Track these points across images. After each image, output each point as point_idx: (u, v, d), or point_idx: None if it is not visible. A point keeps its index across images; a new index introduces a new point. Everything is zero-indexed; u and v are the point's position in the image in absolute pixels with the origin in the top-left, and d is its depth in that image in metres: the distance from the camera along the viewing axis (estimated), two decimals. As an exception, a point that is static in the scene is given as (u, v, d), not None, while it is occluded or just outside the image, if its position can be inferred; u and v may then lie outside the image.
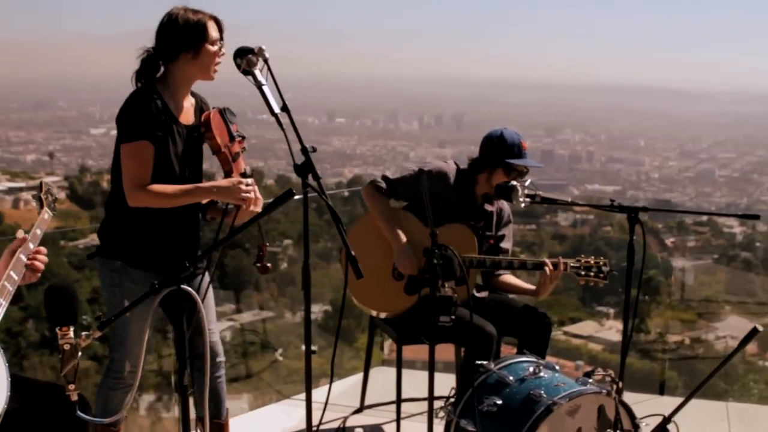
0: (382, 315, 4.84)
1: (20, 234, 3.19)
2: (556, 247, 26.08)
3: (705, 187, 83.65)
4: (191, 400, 4.35)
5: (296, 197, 3.14)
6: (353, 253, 3.36)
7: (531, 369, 4.06)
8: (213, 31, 3.86)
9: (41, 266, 3.18)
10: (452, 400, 4.77)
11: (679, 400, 3.88)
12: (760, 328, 3.50)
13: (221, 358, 4.32)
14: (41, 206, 3.45)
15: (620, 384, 4.11)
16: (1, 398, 2.92)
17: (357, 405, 5.39)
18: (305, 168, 3.46)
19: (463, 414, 4.05)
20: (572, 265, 4.73)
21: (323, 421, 5.09)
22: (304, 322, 3.57)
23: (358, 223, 4.85)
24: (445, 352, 5.03)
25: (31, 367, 10.76)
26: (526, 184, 4.47)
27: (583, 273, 4.73)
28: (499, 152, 4.70)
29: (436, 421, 4.05)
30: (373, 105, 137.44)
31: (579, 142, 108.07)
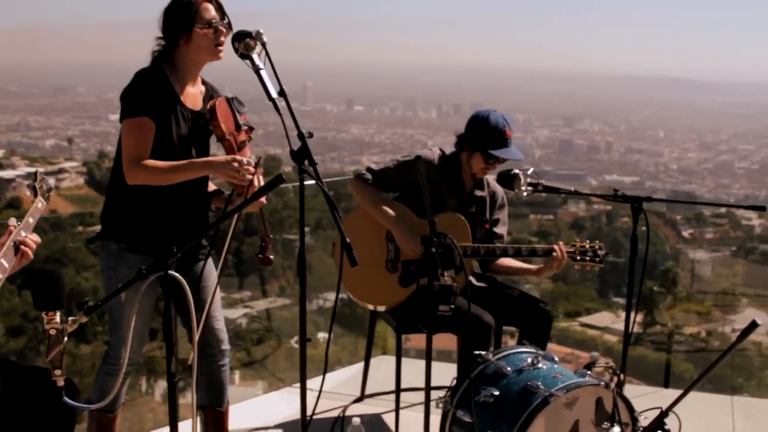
0: (379, 308, 4.82)
1: (12, 222, 3.17)
2: (574, 237, 25.93)
3: (724, 178, 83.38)
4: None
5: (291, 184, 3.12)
6: (348, 240, 3.32)
7: (529, 360, 4.02)
8: (206, 13, 3.80)
9: (32, 245, 3.15)
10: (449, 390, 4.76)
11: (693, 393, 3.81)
12: (760, 322, 3.44)
13: (226, 347, 4.27)
14: (35, 195, 3.43)
15: (622, 376, 4.07)
16: None
17: (357, 394, 5.37)
18: (301, 154, 3.42)
19: (460, 404, 4.01)
20: (567, 250, 4.68)
21: (324, 409, 5.11)
22: (299, 309, 3.52)
23: (348, 218, 4.78)
24: (452, 341, 4.99)
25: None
26: (529, 172, 4.41)
27: (578, 258, 4.68)
28: (481, 137, 4.61)
29: (434, 410, 4.02)
30: (392, 93, 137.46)
31: (598, 132, 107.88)
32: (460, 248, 4.42)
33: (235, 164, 3.74)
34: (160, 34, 3.88)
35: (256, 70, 3.53)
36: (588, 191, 5.21)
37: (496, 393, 3.91)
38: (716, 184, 79.35)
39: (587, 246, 4.67)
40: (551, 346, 4.73)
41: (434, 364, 5.42)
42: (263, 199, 3.87)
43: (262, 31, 3.53)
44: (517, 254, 4.74)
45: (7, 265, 3.06)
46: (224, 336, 4.25)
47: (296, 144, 3.43)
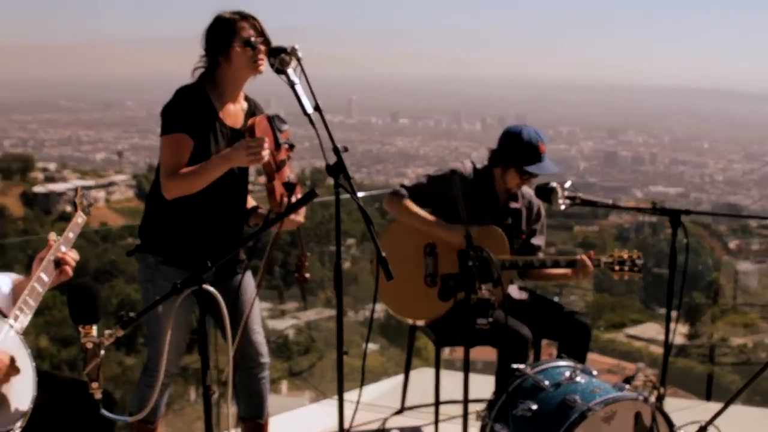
0: (419, 323, 4.82)
1: (52, 236, 3.23)
2: (617, 249, 25.76)
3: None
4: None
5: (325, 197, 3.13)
6: (384, 254, 3.33)
7: (567, 374, 3.99)
8: (244, 31, 3.83)
9: (71, 262, 3.21)
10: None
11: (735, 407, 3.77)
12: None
13: (265, 359, 4.28)
14: (75, 210, 3.48)
15: (662, 390, 4.03)
16: (27, 398, 2.95)
17: (398, 406, 5.37)
18: (337, 168, 3.43)
19: (498, 418, 3.99)
20: (605, 260, 4.68)
21: (363, 421, 5.12)
22: (336, 322, 3.54)
23: (385, 233, 4.75)
24: (493, 353, 4.99)
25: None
26: (567, 185, 4.40)
27: (617, 268, 4.67)
28: (515, 153, 4.61)
29: (473, 424, 4.01)
30: (436, 106, 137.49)
31: (642, 143, 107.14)
32: (498, 261, 4.42)
33: (249, 143, 3.72)
34: (204, 52, 3.93)
35: (291, 85, 3.55)
36: (632, 203, 5.15)
37: (534, 407, 3.89)
38: (761, 195, 78.42)
39: (625, 256, 4.66)
40: (595, 357, 4.70)
41: (478, 377, 5.46)
42: (300, 218, 3.89)
43: (297, 46, 3.56)
44: (555, 266, 4.73)
45: (47, 279, 3.12)
46: (263, 348, 4.26)
47: (332, 159, 3.45)
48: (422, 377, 5.87)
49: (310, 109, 3.51)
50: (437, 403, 4.78)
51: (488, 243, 4.12)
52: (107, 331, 2.77)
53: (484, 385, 4.68)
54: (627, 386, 3.93)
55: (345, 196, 3.47)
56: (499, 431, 3.96)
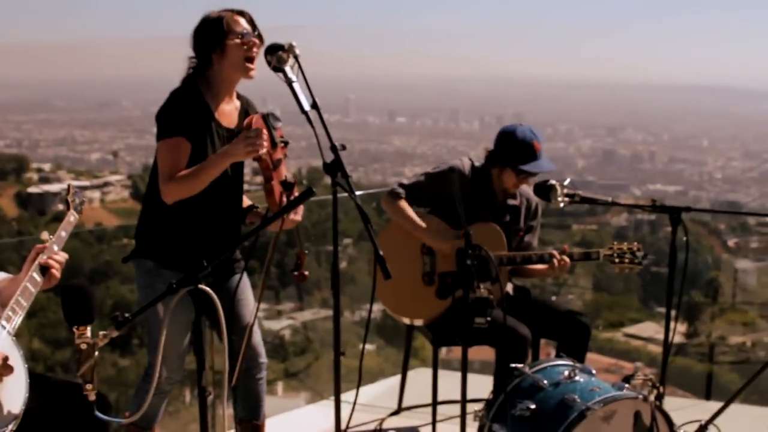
0: (417, 322, 4.79)
1: (45, 236, 3.20)
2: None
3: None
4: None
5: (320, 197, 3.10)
6: (381, 253, 3.30)
7: (566, 373, 3.97)
8: (237, 26, 3.79)
9: (56, 265, 3.17)
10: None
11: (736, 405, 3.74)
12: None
13: (263, 360, 4.23)
14: (68, 208, 3.45)
15: (661, 389, 4.00)
16: (19, 400, 2.91)
17: (395, 406, 5.34)
18: (334, 166, 3.41)
19: (496, 418, 3.97)
20: (605, 253, 4.64)
21: (361, 422, 5.09)
22: (333, 322, 3.52)
23: (383, 232, 4.76)
24: (490, 353, 4.97)
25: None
26: (565, 183, 4.37)
27: (617, 260, 4.64)
28: (511, 153, 4.60)
29: (471, 424, 3.99)
30: (434, 104, 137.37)
31: (641, 141, 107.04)
32: (495, 258, 4.39)
33: (247, 135, 3.66)
34: (193, 54, 3.89)
35: (289, 83, 3.52)
36: (631, 201, 5.12)
37: (533, 406, 3.87)
38: (761, 193, 78.30)
39: (625, 248, 4.63)
40: (593, 356, 4.68)
41: (476, 376, 5.44)
42: (299, 216, 3.85)
43: (294, 43, 3.53)
44: (553, 259, 4.69)
45: (39, 279, 3.09)
46: (261, 349, 4.22)
47: (329, 157, 3.42)
48: (419, 377, 5.85)
49: (307, 107, 3.48)
50: (435, 404, 4.75)
51: (485, 240, 4.09)
52: (102, 332, 2.74)
53: (481, 385, 4.65)
54: (626, 385, 3.91)
55: (342, 195, 3.44)
56: (498, 431, 3.94)
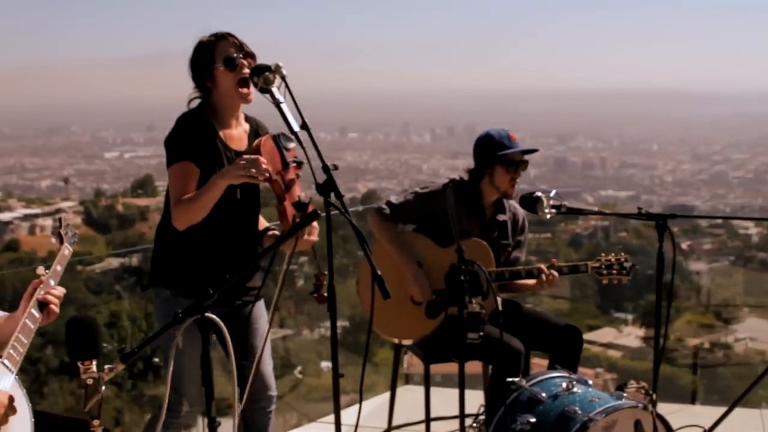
0: (406, 342, 4.76)
1: (41, 271, 3.14)
2: (572, 255, 25.99)
3: (719, 189, 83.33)
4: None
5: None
6: (379, 272, 3.26)
7: (564, 385, 3.97)
8: (222, 51, 3.77)
9: (55, 301, 3.11)
10: (481, 417, 4.70)
11: (709, 408, 3.78)
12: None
13: (273, 393, 4.14)
14: (61, 242, 3.39)
15: (654, 396, 4.01)
16: None
17: (384, 426, 5.29)
18: (327, 186, 3.36)
19: (497, 433, 3.96)
20: (593, 265, 4.64)
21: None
22: (330, 344, 3.46)
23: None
24: (470, 367, 4.94)
25: (51, 393, 10.75)
26: (551, 194, 4.37)
27: (605, 272, 4.64)
28: (491, 150, 4.62)
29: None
30: (385, 119, 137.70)
31: (591, 148, 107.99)
32: (488, 274, 4.37)
33: (242, 163, 3.61)
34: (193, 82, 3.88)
35: (276, 103, 3.47)
36: (596, 209, 5.08)
37: (533, 420, 3.86)
38: (711, 195, 79.33)
39: (613, 259, 4.63)
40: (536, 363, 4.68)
41: (454, 391, 5.37)
42: (314, 237, 3.78)
43: (281, 64, 3.49)
44: (541, 274, 4.68)
45: (38, 315, 3.03)
46: (272, 382, 4.13)
47: (321, 177, 3.38)
48: (403, 395, 5.81)
49: (296, 128, 3.44)
50: (428, 420, 4.71)
51: (472, 256, 4.07)
52: (107, 366, 2.69)
53: (469, 400, 4.61)
54: (624, 395, 3.91)
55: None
56: (498, 446, 3.92)
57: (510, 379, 4.10)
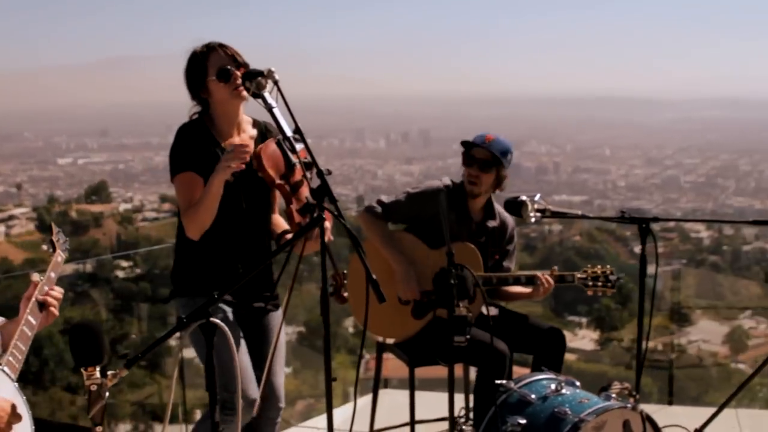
0: (390, 340, 4.76)
1: (35, 278, 3.11)
2: (527, 259, 26.09)
3: (671, 193, 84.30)
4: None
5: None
6: (374, 276, 3.27)
7: (553, 386, 4.00)
8: (215, 62, 3.77)
9: (55, 302, 3.09)
10: (465, 419, 4.72)
11: (688, 408, 3.81)
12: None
13: (281, 404, 4.09)
14: (54, 249, 3.36)
15: (637, 396, 4.05)
16: None
17: (366, 430, 5.28)
18: (321, 191, 3.36)
19: (486, 435, 3.97)
20: (579, 276, 4.67)
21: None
22: (323, 351, 3.44)
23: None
24: (458, 370, 4.95)
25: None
26: (536, 198, 4.40)
27: (590, 284, 4.67)
28: (467, 150, 4.70)
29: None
30: (339, 124, 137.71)
31: (545, 153, 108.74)
32: (476, 278, 4.38)
33: (235, 148, 3.63)
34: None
35: (269, 108, 3.48)
36: (580, 213, 5.12)
37: (523, 421, 3.89)
38: (664, 199, 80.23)
39: (599, 272, 4.66)
40: (513, 368, 4.69)
41: (431, 394, 5.38)
42: (328, 236, 3.73)
43: (273, 69, 3.49)
44: (529, 282, 4.70)
45: (34, 322, 3.00)
46: (281, 393, 4.09)
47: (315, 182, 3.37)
48: (382, 398, 5.80)
49: (289, 133, 3.44)
50: (413, 423, 4.72)
51: (461, 260, 4.08)
52: (110, 372, 2.67)
53: (443, 403, 4.60)
54: (613, 395, 3.95)
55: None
56: (488, 448, 3.94)
57: (498, 381, 4.12)
